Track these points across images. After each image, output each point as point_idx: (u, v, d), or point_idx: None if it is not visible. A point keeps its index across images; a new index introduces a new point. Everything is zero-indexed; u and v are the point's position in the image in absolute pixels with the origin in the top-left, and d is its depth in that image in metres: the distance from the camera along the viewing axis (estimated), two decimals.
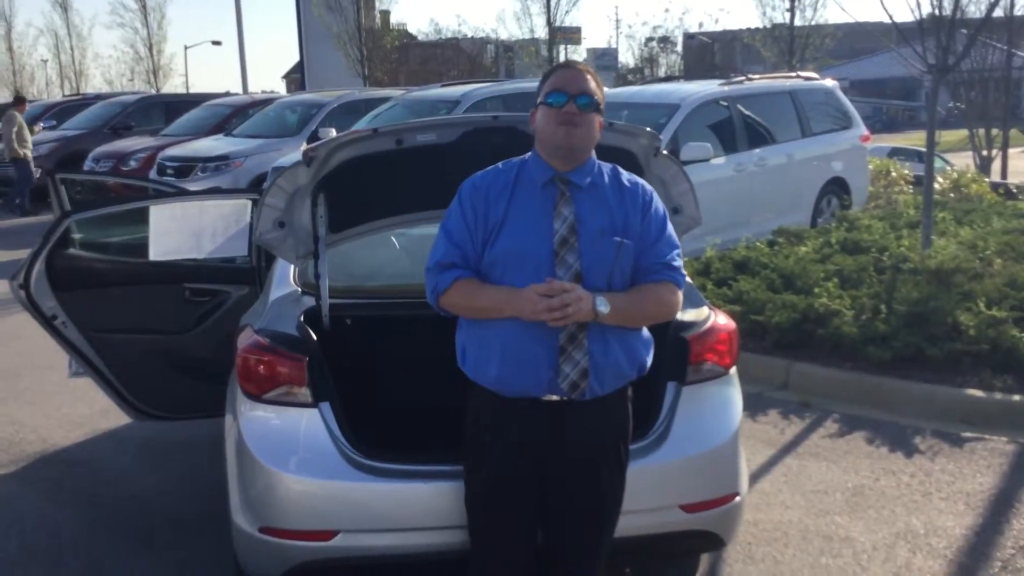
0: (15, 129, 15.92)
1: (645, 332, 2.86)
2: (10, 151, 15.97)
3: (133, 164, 15.16)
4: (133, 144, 16.16)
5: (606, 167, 2.83)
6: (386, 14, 38.58)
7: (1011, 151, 23.31)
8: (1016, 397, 5.54)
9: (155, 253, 4.59)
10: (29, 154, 16.07)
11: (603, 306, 2.61)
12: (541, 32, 37.18)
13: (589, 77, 2.75)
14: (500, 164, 2.83)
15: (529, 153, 2.81)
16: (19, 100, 17.24)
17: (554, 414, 2.72)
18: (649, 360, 2.86)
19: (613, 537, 2.95)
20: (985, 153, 21.31)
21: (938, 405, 5.64)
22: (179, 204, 4.73)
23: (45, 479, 5.10)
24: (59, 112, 20.46)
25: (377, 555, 3.16)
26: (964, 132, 23.40)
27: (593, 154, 2.80)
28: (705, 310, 3.52)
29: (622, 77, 46.88)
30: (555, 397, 2.70)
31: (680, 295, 2.82)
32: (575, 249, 2.67)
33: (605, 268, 2.68)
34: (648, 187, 2.85)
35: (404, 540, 3.15)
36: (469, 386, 2.82)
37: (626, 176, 2.84)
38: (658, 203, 2.83)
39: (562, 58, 43.21)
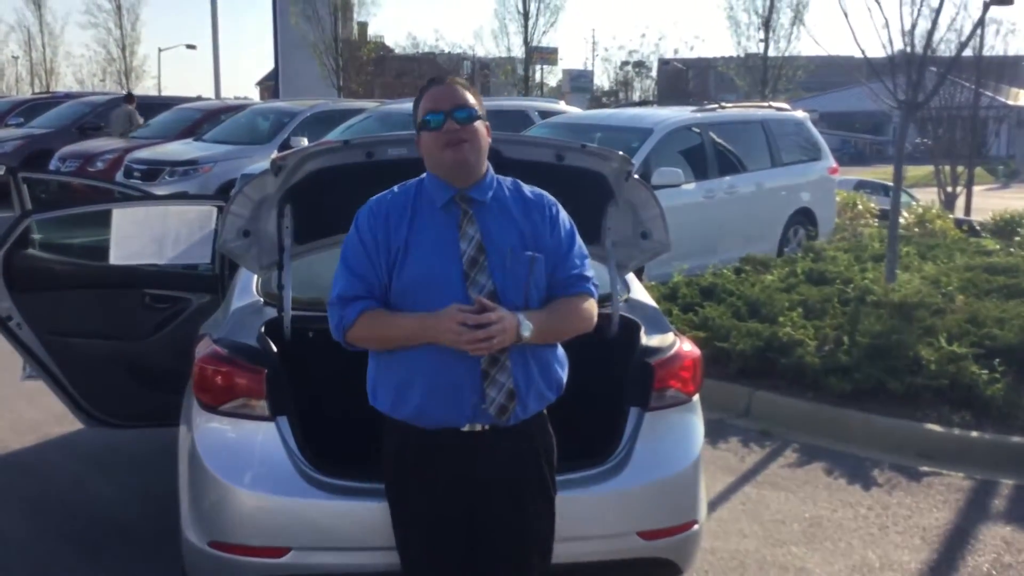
0: (126, 123, 17.26)
1: (560, 350, 2.78)
2: None
3: (100, 165, 14.97)
4: (101, 145, 15.98)
5: (506, 180, 2.74)
6: (363, 26, 38.67)
7: (975, 188, 23.70)
8: (974, 433, 5.58)
9: (116, 257, 4.51)
10: None
11: (526, 330, 2.52)
12: (518, 51, 37.41)
13: (460, 88, 2.64)
14: (396, 187, 2.73)
15: (425, 174, 2.70)
16: (130, 96, 18.71)
17: (477, 444, 2.62)
18: (565, 378, 2.78)
19: (553, 564, 2.84)
20: (950, 189, 21.65)
21: (897, 438, 5.67)
22: (143, 208, 4.66)
23: None
24: (27, 110, 20.21)
25: (329, 574, 3.10)
26: (930, 168, 23.77)
27: (490, 168, 2.71)
28: (671, 336, 3.51)
29: (597, 99, 47.17)
30: (477, 427, 2.61)
31: (595, 304, 2.75)
32: (485, 269, 2.57)
33: (520, 285, 2.60)
34: (550, 197, 2.75)
35: (358, 559, 3.09)
36: (382, 422, 2.72)
37: (527, 188, 2.74)
38: (563, 214, 2.75)
39: (538, 78, 43.43)
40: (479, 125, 2.63)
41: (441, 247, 2.59)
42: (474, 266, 2.57)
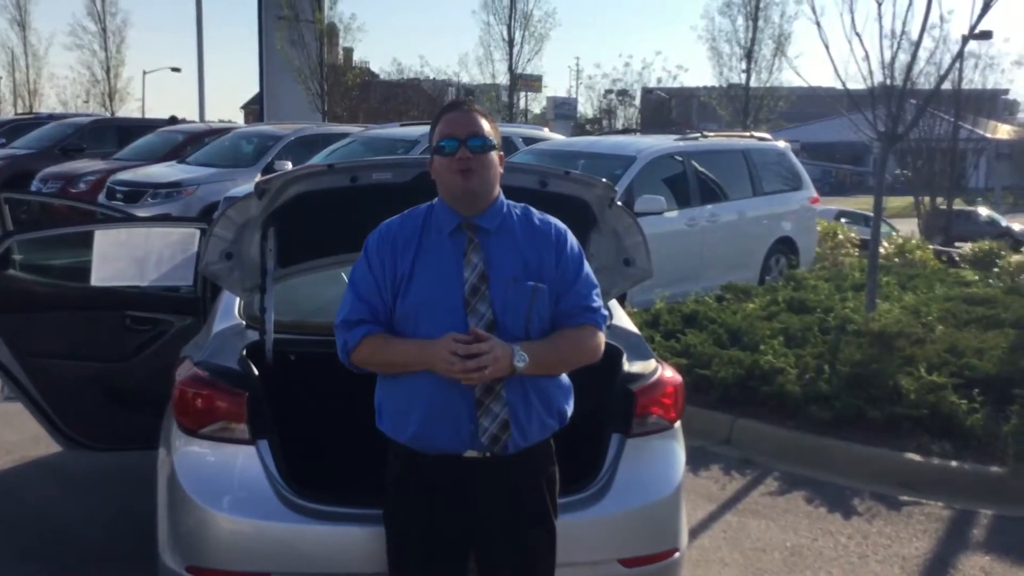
0: None
1: (564, 379, 2.78)
2: None
3: (82, 187, 14.90)
4: (83, 166, 15.91)
5: (516, 207, 2.74)
6: (349, 51, 38.71)
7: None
8: (953, 463, 5.60)
9: (97, 278, 4.49)
10: None
11: (520, 361, 2.52)
12: (502, 78, 37.55)
13: (477, 116, 2.65)
14: (407, 211, 2.75)
15: (436, 199, 2.73)
16: (173, 120, 19.15)
17: (477, 471, 2.63)
18: (569, 408, 2.78)
19: None
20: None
21: (877, 467, 5.69)
22: (124, 229, 4.65)
23: None
24: (10, 130, 20.09)
25: None
26: (910, 199, 23.99)
27: (501, 194, 2.72)
28: (652, 363, 3.52)
29: (580, 127, 47.39)
30: (476, 453, 2.61)
31: (602, 336, 2.75)
32: (486, 298, 2.58)
33: (520, 315, 2.60)
34: (561, 225, 2.75)
35: None
36: (387, 445, 2.74)
37: (537, 216, 2.74)
38: (572, 242, 2.75)
39: (522, 105, 43.62)
40: (493, 155, 2.64)
41: (444, 274, 2.60)
42: (475, 294, 2.58)
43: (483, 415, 2.58)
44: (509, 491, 2.67)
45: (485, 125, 2.64)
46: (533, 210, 2.77)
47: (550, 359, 2.63)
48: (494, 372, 2.50)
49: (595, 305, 2.72)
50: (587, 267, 2.76)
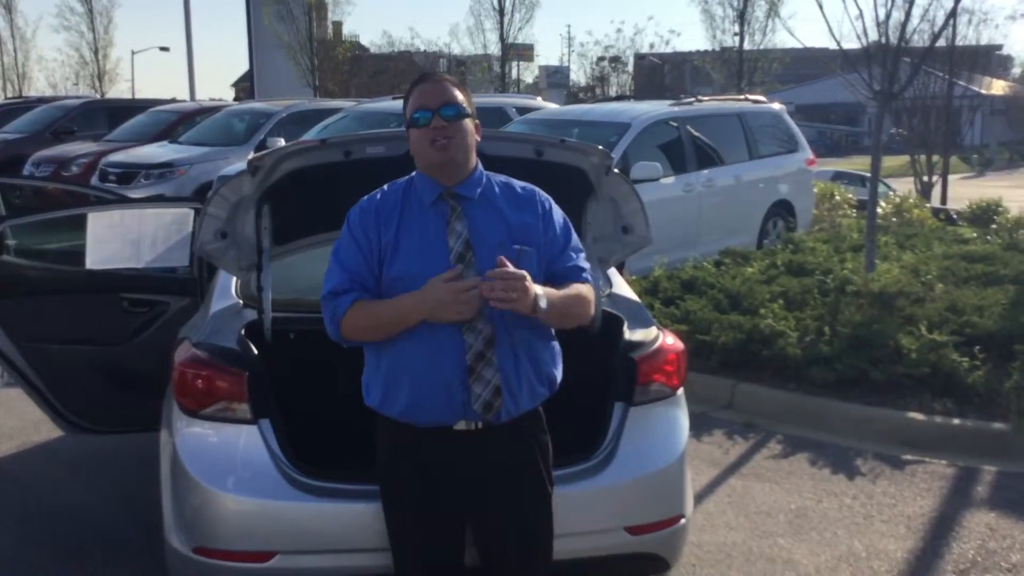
0: None
1: (554, 343, 2.78)
2: None
3: (75, 169, 14.81)
4: (75, 149, 15.81)
5: (496, 177, 2.75)
6: (338, 25, 38.55)
7: (951, 177, 23.84)
8: (956, 421, 5.61)
9: (92, 261, 4.46)
10: None
11: (543, 301, 2.51)
12: (494, 48, 37.44)
13: (449, 85, 2.64)
14: (385, 186, 2.74)
15: (414, 172, 2.72)
16: (238, 99, 18.46)
17: (470, 444, 2.62)
18: (558, 374, 2.78)
19: (552, 561, 2.87)
20: (926, 179, 21.77)
21: (880, 427, 5.69)
22: (118, 212, 4.61)
23: None
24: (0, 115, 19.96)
25: None
26: (906, 158, 23.89)
27: (479, 164, 2.72)
28: (654, 330, 3.50)
29: (573, 95, 47.18)
30: (467, 425, 2.60)
31: (592, 291, 2.80)
32: (472, 265, 2.56)
33: None
34: (543, 193, 2.77)
35: (344, 561, 3.07)
36: (376, 420, 2.72)
37: (519, 184, 2.76)
38: (557, 209, 2.77)
39: (515, 74, 43.44)
40: (467, 123, 2.64)
41: (429, 244, 2.59)
42: (461, 262, 2.57)
43: (475, 382, 2.56)
44: (501, 462, 2.67)
45: (457, 94, 2.64)
46: (514, 180, 2.78)
47: (564, 307, 2.62)
48: (521, 301, 2.44)
49: (584, 265, 2.77)
50: (573, 232, 2.79)
